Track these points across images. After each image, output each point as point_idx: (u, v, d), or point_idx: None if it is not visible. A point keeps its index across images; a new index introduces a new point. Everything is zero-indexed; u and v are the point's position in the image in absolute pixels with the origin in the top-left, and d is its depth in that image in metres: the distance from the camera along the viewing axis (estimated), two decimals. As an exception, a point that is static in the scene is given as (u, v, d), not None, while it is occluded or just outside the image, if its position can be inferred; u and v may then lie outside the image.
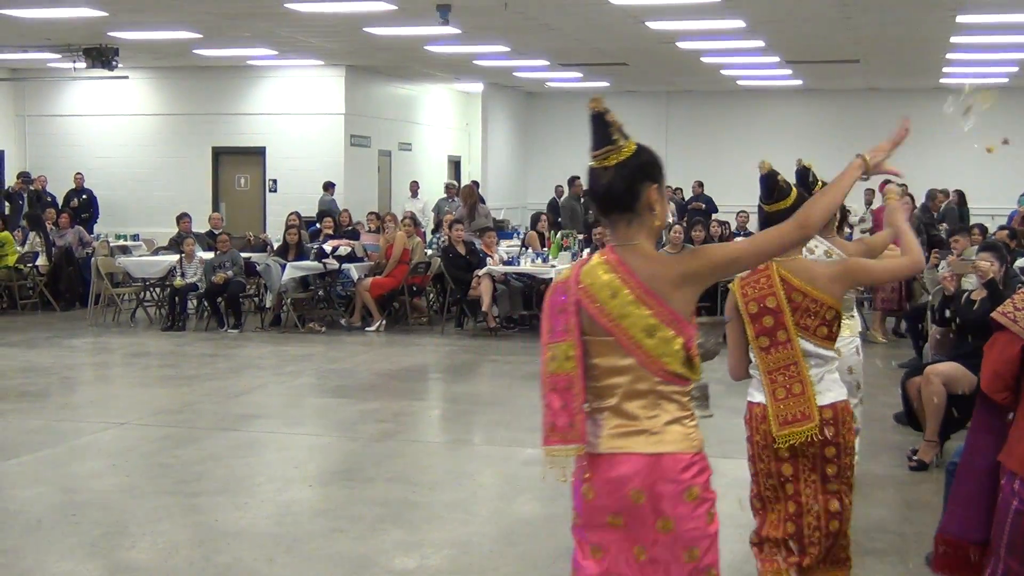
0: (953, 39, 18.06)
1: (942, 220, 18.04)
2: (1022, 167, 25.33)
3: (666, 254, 3.50)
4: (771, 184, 4.20)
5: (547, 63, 22.37)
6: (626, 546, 3.34)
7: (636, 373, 3.33)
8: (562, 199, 21.87)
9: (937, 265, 12.23)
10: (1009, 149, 26.59)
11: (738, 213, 20.10)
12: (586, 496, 3.44)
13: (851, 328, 6.27)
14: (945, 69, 22.61)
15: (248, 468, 8.34)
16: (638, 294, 3.29)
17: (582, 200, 21.15)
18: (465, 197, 18.95)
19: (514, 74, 24.85)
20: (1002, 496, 3.68)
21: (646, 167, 3.39)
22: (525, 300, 15.54)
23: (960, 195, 20.28)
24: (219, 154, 23.81)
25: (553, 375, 3.48)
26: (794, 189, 4.81)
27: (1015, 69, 22.30)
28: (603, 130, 3.45)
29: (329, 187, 22.16)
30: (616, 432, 3.37)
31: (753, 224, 20.20)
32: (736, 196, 24.54)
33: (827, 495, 4.50)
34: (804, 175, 5.38)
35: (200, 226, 19.01)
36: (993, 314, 3.79)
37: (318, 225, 17.83)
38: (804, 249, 4.82)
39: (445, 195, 23.37)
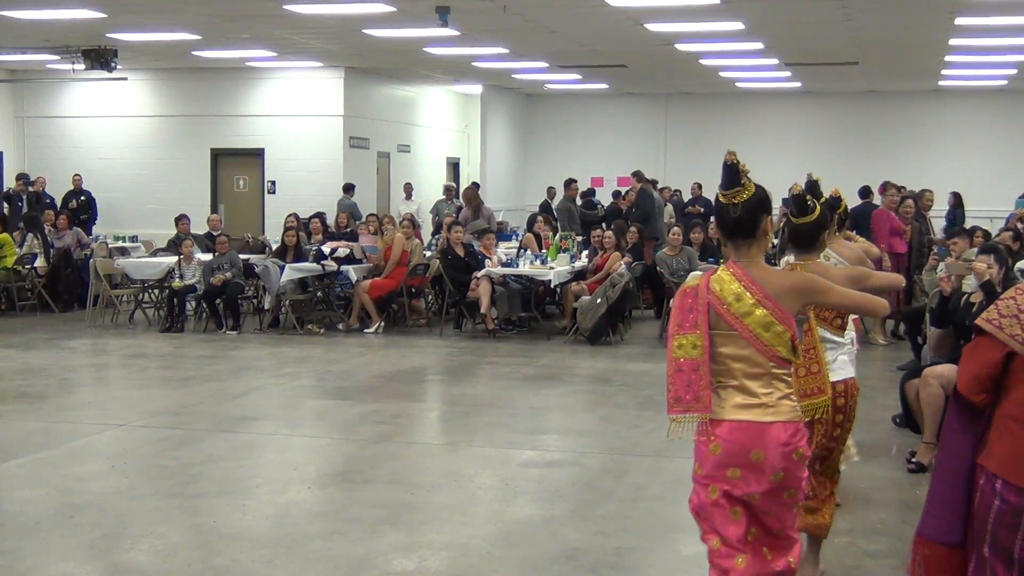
0: (952, 41, 18.07)
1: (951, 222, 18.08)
2: (1019, 168, 25.39)
3: (774, 269, 4.60)
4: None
5: (546, 65, 22.38)
6: (744, 492, 4.29)
7: (754, 359, 4.30)
8: (557, 201, 21.87)
9: (936, 267, 12.25)
10: (1006, 150, 26.69)
11: None
12: (713, 452, 4.34)
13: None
14: (944, 72, 22.63)
15: (247, 470, 8.34)
16: (759, 299, 4.29)
17: (578, 202, 21.19)
18: (469, 199, 18.96)
19: (513, 76, 24.85)
20: (981, 497, 3.71)
21: (763, 203, 4.41)
22: (524, 302, 15.54)
23: (956, 197, 20.29)
24: (218, 155, 23.80)
25: (681, 360, 4.33)
26: (819, 207, 5.53)
27: (1014, 71, 22.31)
28: (734, 175, 4.41)
29: (349, 189, 22.26)
30: (740, 405, 4.31)
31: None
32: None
33: (829, 439, 5.81)
34: (813, 187, 5.97)
35: (199, 228, 19.00)
36: (977, 320, 3.84)
37: (332, 228, 17.94)
38: (821, 255, 5.67)
39: (444, 197, 23.38)
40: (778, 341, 4.28)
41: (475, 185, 21.71)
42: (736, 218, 4.41)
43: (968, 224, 16.01)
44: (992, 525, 3.67)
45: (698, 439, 4.36)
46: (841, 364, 5.78)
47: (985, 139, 26.69)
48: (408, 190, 23.91)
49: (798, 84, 25.86)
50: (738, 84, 26.07)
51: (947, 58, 20.38)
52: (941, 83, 24.86)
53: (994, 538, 3.66)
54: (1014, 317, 3.71)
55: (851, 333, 6.13)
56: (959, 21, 15.88)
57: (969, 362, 3.81)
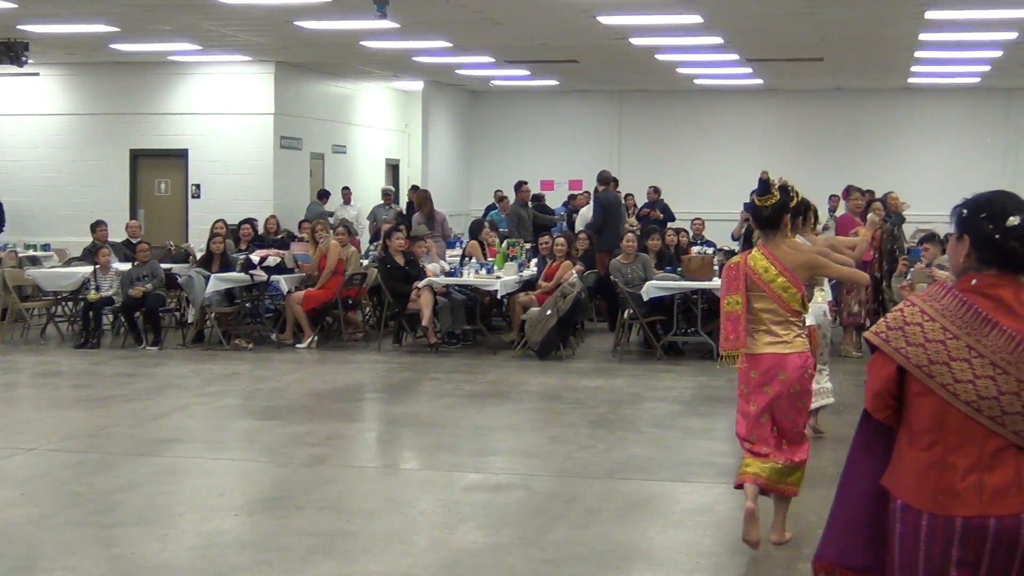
0: (922, 36, 18.27)
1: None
2: (993, 169, 25.72)
3: (790, 250, 6.96)
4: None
5: (492, 60, 22.42)
6: (773, 401, 6.88)
7: (777, 312, 6.87)
8: (506, 206, 21.86)
9: (905, 273, 12.41)
10: (979, 150, 27.01)
11: (693, 220, 20.17)
12: (752, 376, 6.92)
13: (822, 296, 9.43)
14: (913, 68, 22.88)
15: (168, 497, 8.29)
16: (779, 269, 6.85)
17: (530, 206, 21.19)
18: (420, 203, 18.96)
19: (456, 72, 24.87)
20: (890, 520, 3.82)
21: (785, 206, 6.98)
22: (468, 314, 15.54)
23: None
24: (137, 157, 23.63)
25: (728, 312, 6.92)
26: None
27: (987, 68, 22.60)
28: (766, 186, 7.01)
29: (323, 196, 22.05)
30: (769, 342, 6.89)
31: (709, 231, 20.35)
32: (692, 202, 24.72)
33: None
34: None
35: (117, 235, 18.86)
36: (866, 334, 3.97)
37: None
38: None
39: (382, 202, 23.34)
40: (793, 299, 6.87)
41: (417, 189, 21.73)
42: (767, 216, 6.97)
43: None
44: (898, 550, 3.78)
45: (741, 368, 6.95)
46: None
47: (957, 139, 27.00)
48: (347, 195, 23.86)
49: (760, 81, 26.05)
50: (697, 81, 26.22)
51: (917, 54, 20.60)
52: (911, 80, 25.12)
53: (901, 562, 3.76)
54: (899, 330, 3.81)
55: (823, 305, 8.86)
56: (929, 15, 16.06)
57: (870, 378, 3.92)
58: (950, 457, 3.71)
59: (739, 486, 7.02)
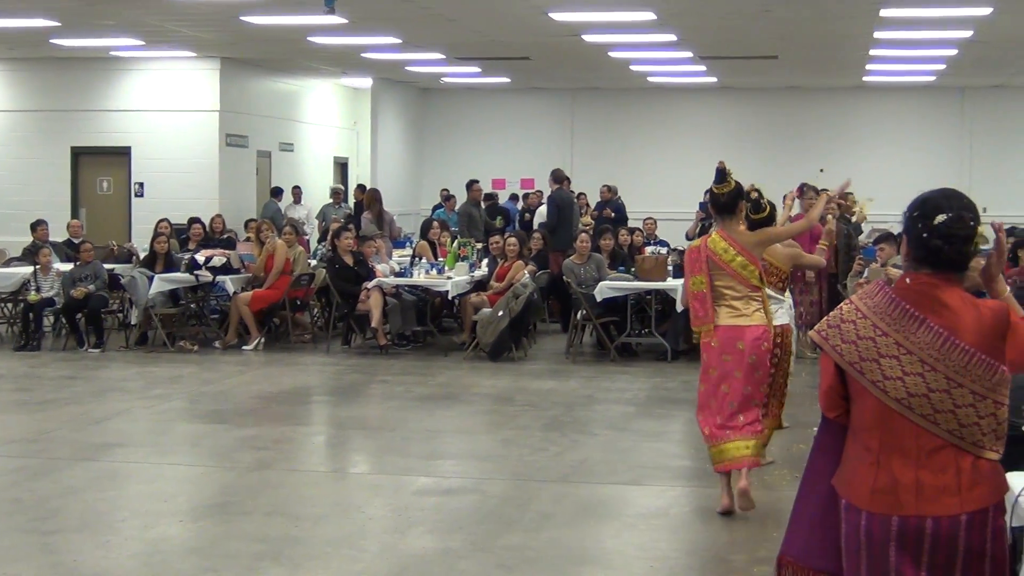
0: (877, 34, 18.40)
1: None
2: (947, 166, 25.94)
3: (745, 232, 7.86)
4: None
5: (443, 57, 22.39)
6: (730, 369, 7.66)
7: (738, 288, 7.70)
8: (453, 205, 21.89)
9: (861, 272, 12.52)
10: (934, 147, 27.18)
11: (645, 220, 20.20)
12: (712, 345, 7.71)
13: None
14: (868, 66, 23.04)
15: (111, 502, 8.24)
16: (738, 249, 7.69)
17: (482, 206, 21.19)
18: (369, 202, 18.92)
19: (406, 68, 24.82)
20: (839, 520, 3.90)
21: (740, 193, 7.91)
22: (418, 315, 15.53)
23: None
24: (79, 155, 23.44)
25: (696, 292, 7.74)
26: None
27: (942, 66, 22.79)
28: (724, 175, 7.89)
29: (277, 193, 21.88)
30: (729, 315, 7.69)
31: (662, 231, 20.41)
32: (645, 202, 24.78)
33: (772, 367, 8.19)
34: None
35: (58, 234, 18.71)
36: (810, 332, 4.06)
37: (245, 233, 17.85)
38: None
39: (331, 200, 23.28)
40: (752, 275, 7.73)
41: (362, 187, 21.70)
42: (724, 203, 7.86)
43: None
44: (844, 550, 3.85)
45: (704, 341, 7.77)
46: (780, 316, 8.55)
47: (912, 137, 27.22)
48: (297, 194, 23.76)
49: (714, 79, 26.15)
50: (650, 79, 26.28)
51: (872, 52, 20.75)
52: (866, 79, 25.29)
53: (848, 562, 3.83)
54: (836, 327, 3.90)
55: (789, 299, 9.18)
56: (884, 13, 16.18)
57: (821, 377, 4.00)
58: (888, 456, 3.77)
59: (723, 471, 7.74)
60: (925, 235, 3.82)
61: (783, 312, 8.70)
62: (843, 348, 3.85)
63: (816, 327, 3.97)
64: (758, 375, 7.67)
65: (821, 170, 22.75)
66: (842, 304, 3.97)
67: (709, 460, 7.91)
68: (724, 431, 7.63)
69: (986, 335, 3.75)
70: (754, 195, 8.16)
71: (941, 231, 3.80)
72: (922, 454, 3.74)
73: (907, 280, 3.86)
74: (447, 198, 21.92)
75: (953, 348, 3.73)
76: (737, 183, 7.92)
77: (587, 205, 22.94)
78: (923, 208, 3.86)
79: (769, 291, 8.20)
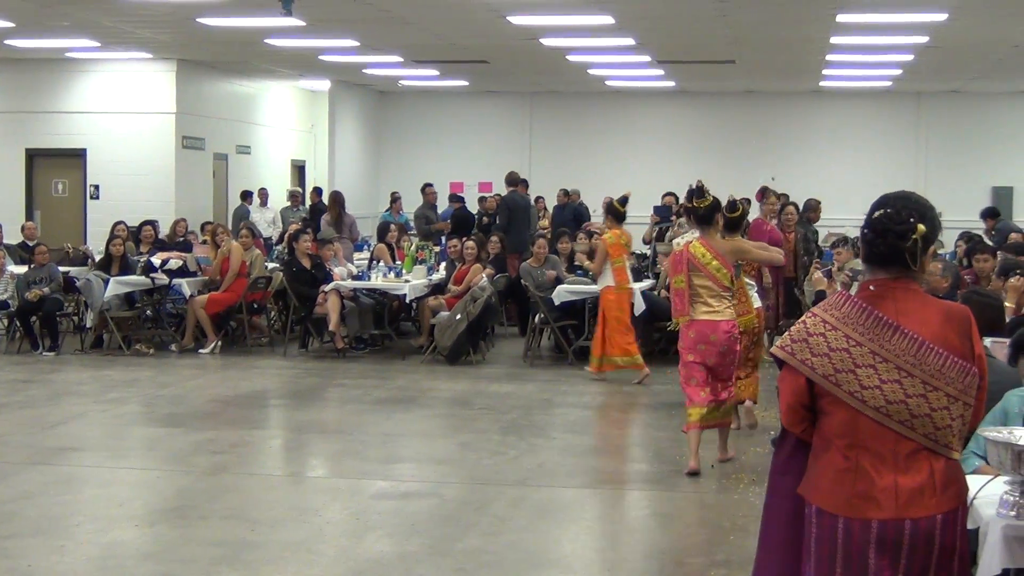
0: (833, 39, 18.52)
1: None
2: (903, 171, 26.13)
3: (722, 240, 9.37)
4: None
5: (400, 59, 22.37)
6: (706, 355, 9.09)
7: (712, 287, 9.10)
8: (399, 208, 21.88)
9: (830, 274, 12.60)
10: (889, 153, 27.37)
11: (586, 225, 20.16)
12: (690, 335, 9.14)
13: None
14: (825, 71, 23.19)
15: (65, 507, 8.19)
16: (715, 254, 9.14)
17: (439, 210, 21.17)
18: (330, 205, 18.86)
19: (364, 71, 24.78)
20: (805, 525, 3.90)
21: (717, 207, 9.34)
22: (376, 318, 15.50)
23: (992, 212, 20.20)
24: (33, 157, 23.27)
25: (677, 288, 9.17)
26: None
27: (898, 72, 22.96)
28: (702, 192, 9.28)
29: (247, 196, 21.71)
30: (705, 311, 9.11)
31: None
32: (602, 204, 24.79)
33: (751, 343, 10.38)
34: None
35: (12, 237, 18.58)
36: (772, 349, 4.04)
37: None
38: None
39: (289, 203, 23.20)
40: (724, 277, 9.14)
41: (319, 191, 21.63)
42: (703, 215, 9.27)
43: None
44: (814, 554, 3.85)
45: (683, 330, 9.23)
46: (755, 299, 10.61)
47: (868, 142, 27.41)
48: (264, 196, 23.64)
49: (672, 83, 26.25)
50: (608, 82, 26.36)
51: (828, 57, 20.88)
52: (822, 83, 25.45)
53: (819, 566, 3.83)
54: (803, 342, 3.89)
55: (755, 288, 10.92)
56: (841, 18, 16.28)
57: (782, 393, 3.99)
58: (864, 462, 3.78)
59: (686, 431, 9.24)
60: (865, 230, 3.87)
61: (756, 296, 10.82)
62: (814, 362, 3.83)
63: (779, 343, 3.96)
64: (729, 359, 9.22)
65: (772, 178, 22.88)
66: (804, 318, 3.95)
67: (684, 420, 9.29)
68: (701, 397, 9.09)
69: (952, 337, 3.79)
70: (699, 183, 9.53)
71: (875, 225, 3.85)
72: (899, 459, 3.76)
73: (871, 287, 3.88)
74: (394, 200, 21.96)
75: (928, 352, 3.76)
76: (715, 198, 9.35)
77: (545, 209, 22.97)
78: (872, 210, 3.91)
79: (747, 279, 10.38)
